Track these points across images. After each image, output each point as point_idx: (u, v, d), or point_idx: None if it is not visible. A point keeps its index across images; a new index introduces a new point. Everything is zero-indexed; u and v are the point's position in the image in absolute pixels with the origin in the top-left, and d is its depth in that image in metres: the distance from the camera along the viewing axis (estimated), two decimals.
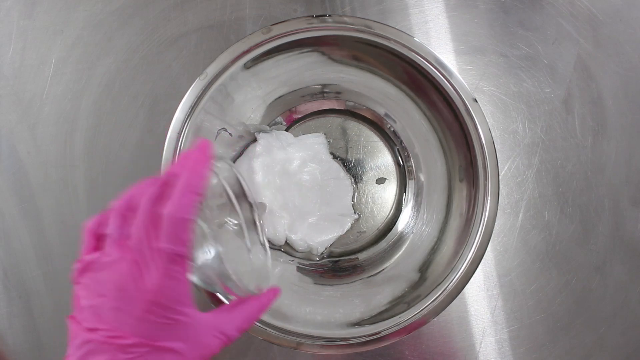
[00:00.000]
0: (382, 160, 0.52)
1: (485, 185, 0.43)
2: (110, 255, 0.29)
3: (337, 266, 0.50)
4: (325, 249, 0.50)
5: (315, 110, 0.52)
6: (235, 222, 0.38)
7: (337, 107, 0.52)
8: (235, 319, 0.32)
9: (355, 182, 0.51)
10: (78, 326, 0.28)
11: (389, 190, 0.51)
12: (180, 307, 0.28)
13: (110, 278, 0.28)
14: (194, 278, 0.32)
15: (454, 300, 0.43)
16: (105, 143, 0.52)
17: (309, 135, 0.51)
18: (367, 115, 0.52)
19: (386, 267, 0.48)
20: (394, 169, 0.52)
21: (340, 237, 0.50)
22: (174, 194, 0.28)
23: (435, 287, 0.43)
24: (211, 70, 0.44)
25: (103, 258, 0.29)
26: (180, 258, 0.28)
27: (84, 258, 0.30)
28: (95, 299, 0.28)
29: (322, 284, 0.48)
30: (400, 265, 0.48)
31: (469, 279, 0.43)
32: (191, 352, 0.29)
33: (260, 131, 0.50)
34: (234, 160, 0.49)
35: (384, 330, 0.42)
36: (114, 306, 0.27)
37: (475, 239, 0.43)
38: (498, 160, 0.43)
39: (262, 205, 0.48)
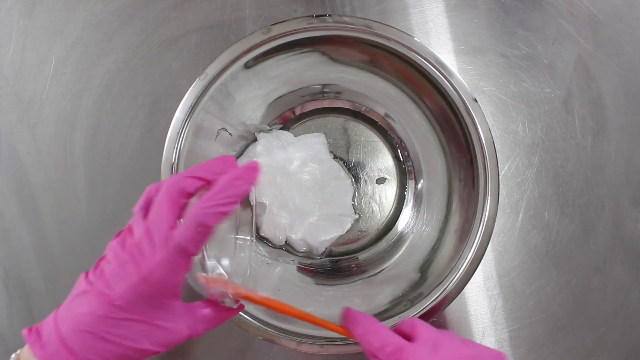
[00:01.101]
0: (382, 160, 0.52)
1: (485, 185, 0.43)
2: (133, 224, 0.31)
3: (337, 266, 0.50)
4: (326, 248, 0.50)
5: (316, 109, 0.52)
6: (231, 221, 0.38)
7: (337, 107, 0.52)
8: (205, 320, 0.33)
9: (356, 182, 0.51)
10: (83, 279, 0.31)
11: (389, 190, 0.51)
12: (168, 293, 0.31)
13: (122, 244, 0.31)
14: (188, 277, 0.33)
15: (454, 300, 0.43)
16: (105, 143, 0.52)
17: (309, 135, 0.51)
18: (367, 115, 0.52)
19: (386, 267, 0.48)
20: (394, 169, 0.52)
21: (341, 237, 0.50)
22: (209, 198, 0.30)
23: (436, 286, 0.43)
24: (211, 70, 0.44)
25: (129, 226, 0.32)
26: (186, 256, 0.30)
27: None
28: (106, 262, 0.31)
29: (323, 284, 0.48)
30: (401, 265, 0.48)
31: (469, 279, 0.43)
32: (164, 335, 0.31)
33: (260, 131, 0.50)
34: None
35: None
36: (115, 270, 0.30)
37: (475, 239, 0.43)
38: (498, 160, 0.43)
39: (262, 205, 0.48)
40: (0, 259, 0.51)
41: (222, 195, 0.30)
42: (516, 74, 0.53)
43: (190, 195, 0.32)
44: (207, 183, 0.32)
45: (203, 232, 0.30)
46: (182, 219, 0.31)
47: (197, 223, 0.29)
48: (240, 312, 0.42)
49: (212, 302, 0.34)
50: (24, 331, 0.32)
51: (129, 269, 0.30)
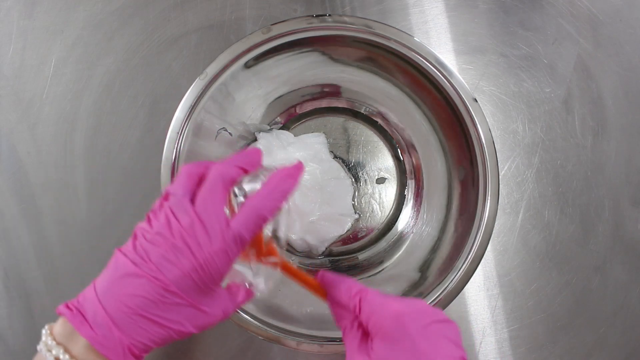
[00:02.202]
0: (382, 160, 0.52)
1: (485, 185, 0.43)
2: (177, 207, 0.31)
3: (336, 266, 0.50)
4: (326, 248, 0.50)
5: (316, 109, 0.52)
6: None
7: (337, 107, 0.52)
8: (234, 302, 0.35)
9: (356, 182, 0.51)
10: (124, 258, 0.31)
11: (389, 190, 0.51)
12: (218, 280, 0.32)
13: (168, 228, 0.31)
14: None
15: (454, 300, 0.43)
16: (105, 143, 0.52)
17: (309, 134, 0.51)
18: (367, 115, 0.52)
19: (386, 267, 0.48)
20: (394, 168, 0.52)
21: (341, 237, 0.50)
22: (269, 192, 0.32)
23: (436, 286, 0.43)
24: (211, 70, 0.44)
25: (169, 207, 0.31)
26: (242, 244, 0.31)
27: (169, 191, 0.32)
28: (150, 243, 0.31)
29: None
30: (401, 264, 0.48)
31: (469, 278, 0.43)
32: (205, 318, 0.32)
33: (260, 130, 0.50)
34: None
35: None
36: (167, 255, 0.30)
37: (475, 239, 0.43)
38: (498, 160, 0.43)
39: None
40: (0, 259, 0.51)
41: (278, 190, 0.32)
42: (516, 74, 0.53)
43: (234, 184, 0.33)
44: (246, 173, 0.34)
45: (260, 224, 0.31)
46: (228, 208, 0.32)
47: (257, 215, 0.31)
48: (240, 312, 0.42)
49: (239, 286, 0.36)
50: (63, 309, 0.31)
51: (183, 256, 0.30)
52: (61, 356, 0.30)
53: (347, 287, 0.34)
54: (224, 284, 0.35)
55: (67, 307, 0.31)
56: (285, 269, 0.36)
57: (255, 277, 0.36)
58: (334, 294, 0.35)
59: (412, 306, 0.31)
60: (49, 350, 0.31)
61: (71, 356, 0.30)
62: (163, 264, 0.30)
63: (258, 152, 0.36)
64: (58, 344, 0.31)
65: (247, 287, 0.36)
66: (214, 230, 0.30)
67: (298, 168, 0.34)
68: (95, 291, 0.31)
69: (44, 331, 0.32)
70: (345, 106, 0.52)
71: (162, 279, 0.30)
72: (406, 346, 0.30)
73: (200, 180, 0.33)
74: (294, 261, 0.50)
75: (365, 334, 0.33)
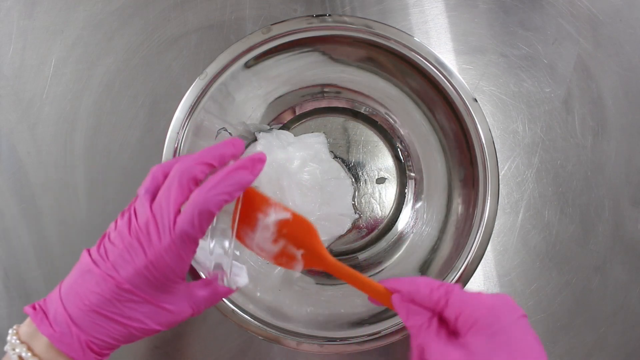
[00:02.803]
0: (382, 160, 0.52)
1: (485, 185, 0.43)
2: (138, 207, 0.32)
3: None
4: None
5: (316, 109, 0.52)
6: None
7: (337, 107, 0.52)
8: (206, 299, 0.35)
9: (356, 182, 0.51)
10: (87, 257, 0.32)
11: (389, 190, 0.51)
12: (174, 276, 0.31)
13: (128, 227, 0.31)
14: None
15: None
16: (105, 143, 0.52)
17: (309, 134, 0.51)
18: (367, 115, 0.52)
19: (386, 267, 0.48)
20: (394, 168, 0.52)
21: (341, 237, 0.50)
22: (212, 185, 0.31)
23: None
24: (211, 70, 0.44)
25: (133, 207, 0.32)
26: (191, 242, 0.31)
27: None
28: (111, 243, 0.31)
29: (324, 284, 0.48)
30: (401, 264, 0.48)
31: (469, 278, 0.43)
32: (168, 315, 0.33)
33: (260, 130, 0.50)
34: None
35: (383, 330, 0.42)
36: (122, 254, 0.31)
37: (475, 239, 0.43)
38: (498, 160, 0.43)
39: None
40: (0, 259, 0.51)
41: (225, 183, 0.31)
42: (516, 74, 0.53)
43: (199, 181, 0.32)
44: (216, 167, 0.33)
45: (206, 218, 0.30)
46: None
47: (199, 210, 0.30)
48: (240, 312, 0.42)
49: (211, 281, 0.35)
50: (28, 309, 0.32)
51: (135, 254, 0.30)
52: (24, 354, 0.31)
53: (426, 283, 0.33)
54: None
55: (33, 307, 0.32)
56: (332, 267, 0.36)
57: (235, 269, 0.36)
58: (410, 291, 0.34)
59: (502, 300, 0.31)
60: (13, 349, 0.31)
61: (33, 354, 0.31)
62: (118, 262, 0.31)
63: (232, 144, 0.34)
64: (22, 342, 0.31)
65: (223, 282, 0.35)
66: (163, 227, 0.30)
67: (255, 160, 0.33)
68: (59, 290, 0.32)
69: (10, 331, 0.32)
70: (345, 106, 0.52)
71: (115, 276, 0.30)
72: (503, 339, 0.30)
73: (165, 179, 0.32)
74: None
75: (448, 330, 0.32)
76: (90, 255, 0.32)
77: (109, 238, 0.32)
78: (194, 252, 0.32)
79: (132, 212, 0.32)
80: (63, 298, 0.31)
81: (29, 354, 0.31)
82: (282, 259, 0.37)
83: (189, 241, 0.31)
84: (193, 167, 0.31)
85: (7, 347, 0.32)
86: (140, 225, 0.31)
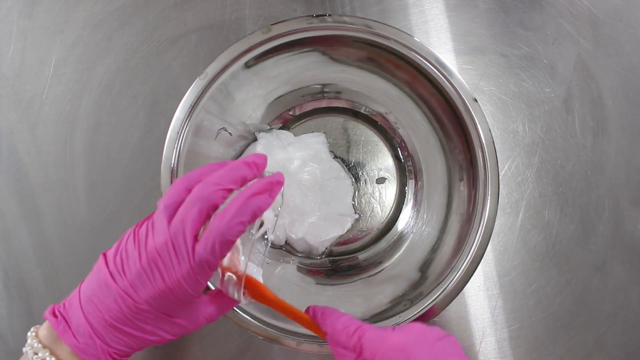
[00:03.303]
0: (382, 160, 0.52)
1: (485, 185, 0.43)
2: (157, 223, 0.31)
3: (337, 266, 0.50)
4: (326, 248, 0.50)
5: (316, 109, 0.52)
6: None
7: (337, 107, 0.52)
8: (218, 308, 0.35)
9: (356, 182, 0.51)
10: (104, 267, 0.32)
11: (389, 190, 0.51)
12: (190, 298, 0.32)
13: (144, 244, 0.31)
14: None
15: (454, 300, 0.43)
16: (105, 143, 0.52)
17: (309, 134, 0.51)
18: (367, 115, 0.52)
19: (386, 267, 0.48)
20: (394, 168, 0.52)
21: (341, 237, 0.50)
22: (233, 215, 0.30)
23: (436, 286, 0.43)
24: (211, 70, 0.44)
25: (152, 220, 0.32)
26: (210, 269, 0.31)
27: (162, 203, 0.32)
28: (127, 257, 0.31)
29: (324, 284, 0.48)
30: (401, 264, 0.48)
31: (469, 278, 0.43)
32: (183, 328, 0.33)
33: (260, 130, 0.50)
34: (234, 160, 0.49)
35: None
36: (139, 273, 0.31)
37: (475, 239, 0.43)
38: (498, 160, 0.43)
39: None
40: (0, 259, 0.51)
41: (245, 212, 0.30)
42: (516, 74, 0.53)
43: (218, 207, 0.32)
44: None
45: (227, 247, 0.30)
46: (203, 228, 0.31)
47: (220, 240, 0.30)
48: (240, 312, 0.42)
49: (223, 291, 0.35)
50: (49, 316, 0.33)
51: (153, 277, 0.31)
52: (47, 359, 0.32)
53: (344, 325, 0.34)
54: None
55: (53, 313, 0.33)
56: (272, 302, 0.36)
57: (251, 269, 0.36)
58: (331, 334, 0.34)
59: (411, 333, 0.31)
60: (36, 353, 0.32)
61: (57, 359, 0.32)
62: (136, 283, 0.31)
63: (255, 165, 0.33)
64: (44, 347, 0.32)
65: (234, 295, 0.35)
66: (181, 254, 0.30)
67: (273, 183, 0.32)
68: (79, 298, 0.32)
69: (29, 334, 0.33)
70: (345, 106, 0.52)
71: (134, 297, 0.31)
72: None
73: (187, 193, 0.32)
74: (293, 262, 0.50)
75: None
76: (107, 264, 0.32)
77: (125, 250, 0.32)
78: (210, 276, 0.32)
79: (150, 226, 0.31)
80: (84, 308, 0.32)
81: (53, 358, 0.32)
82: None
83: (208, 268, 0.31)
84: (213, 194, 0.31)
85: (26, 349, 0.32)
86: (157, 246, 0.30)
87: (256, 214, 0.31)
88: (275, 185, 0.32)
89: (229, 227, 0.30)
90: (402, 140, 0.51)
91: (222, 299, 0.35)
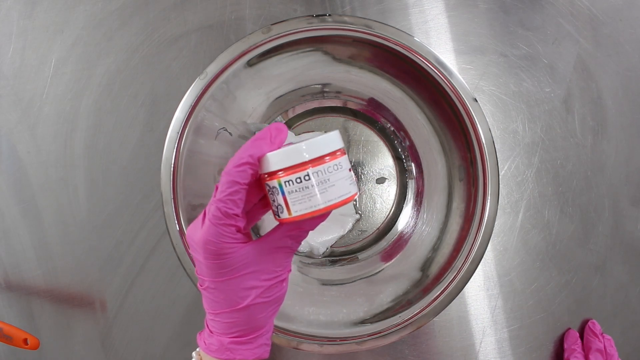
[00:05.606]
0: (383, 160, 0.52)
1: (485, 185, 0.43)
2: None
3: (337, 265, 0.50)
4: (327, 248, 0.50)
5: (316, 109, 0.52)
6: None
7: (337, 107, 0.52)
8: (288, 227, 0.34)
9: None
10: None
11: (389, 190, 0.51)
12: (229, 247, 0.32)
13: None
14: None
15: (454, 300, 0.43)
16: (105, 143, 0.52)
17: (310, 134, 0.51)
18: (367, 115, 0.52)
19: (387, 266, 0.48)
20: (394, 168, 0.52)
21: (342, 237, 0.50)
22: (235, 159, 0.32)
23: (436, 286, 0.43)
24: (211, 69, 0.44)
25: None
26: (228, 215, 0.31)
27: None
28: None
29: (328, 285, 0.48)
30: (402, 264, 0.48)
31: (469, 278, 0.43)
32: (278, 273, 0.34)
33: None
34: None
35: (384, 330, 0.42)
36: (196, 257, 0.33)
37: (475, 239, 0.43)
38: (498, 160, 0.43)
39: None
40: (1, 259, 0.51)
41: (246, 154, 0.31)
42: (516, 74, 0.53)
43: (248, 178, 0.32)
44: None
45: (236, 191, 0.31)
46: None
47: (227, 182, 0.31)
48: None
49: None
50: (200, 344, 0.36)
51: (194, 247, 0.33)
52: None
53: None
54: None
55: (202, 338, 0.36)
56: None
57: None
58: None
59: None
60: None
61: None
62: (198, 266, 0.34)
63: (278, 128, 0.33)
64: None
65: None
66: (205, 214, 0.33)
67: (276, 129, 0.33)
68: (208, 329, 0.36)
69: (194, 353, 0.38)
70: (346, 106, 0.52)
71: (201, 283, 0.34)
72: None
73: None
74: (294, 263, 0.50)
75: None
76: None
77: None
78: (238, 227, 0.32)
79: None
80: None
81: None
82: None
83: (227, 216, 0.31)
84: (236, 174, 0.32)
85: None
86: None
87: (253, 155, 0.31)
88: (274, 130, 0.33)
89: (230, 167, 0.31)
90: (402, 140, 0.51)
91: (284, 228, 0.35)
